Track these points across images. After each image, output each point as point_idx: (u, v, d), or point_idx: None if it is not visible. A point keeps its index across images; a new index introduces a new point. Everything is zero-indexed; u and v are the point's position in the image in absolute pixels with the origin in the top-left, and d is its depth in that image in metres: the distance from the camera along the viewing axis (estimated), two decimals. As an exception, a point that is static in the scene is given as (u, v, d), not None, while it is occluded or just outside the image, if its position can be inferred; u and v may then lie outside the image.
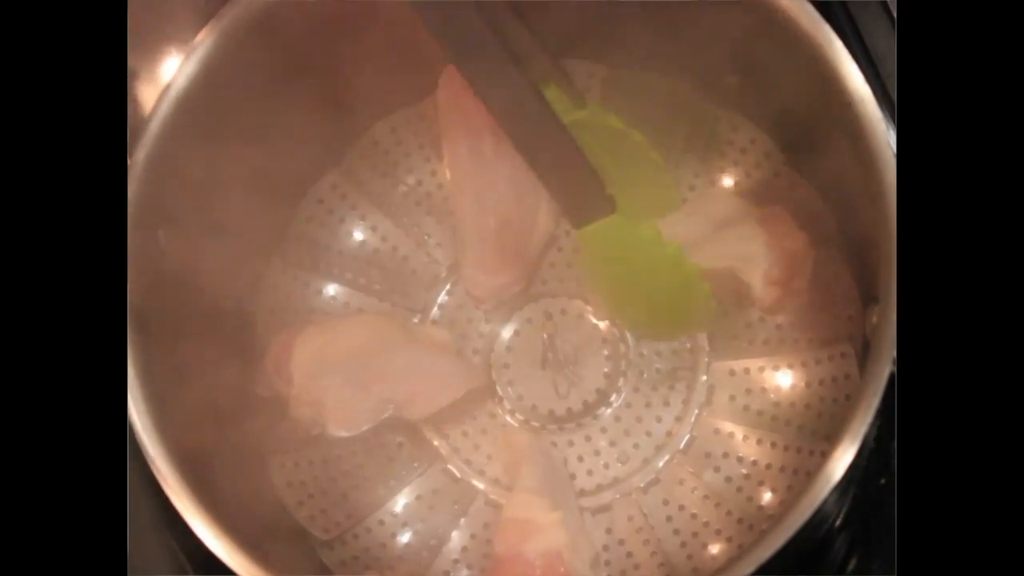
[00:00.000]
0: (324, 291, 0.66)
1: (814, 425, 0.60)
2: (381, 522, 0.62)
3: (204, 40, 0.55)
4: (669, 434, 0.62)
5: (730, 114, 0.64)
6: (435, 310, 0.66)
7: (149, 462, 0.51)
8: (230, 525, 0.50)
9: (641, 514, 0.61)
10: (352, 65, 0.61)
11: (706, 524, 0.60)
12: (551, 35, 0.63)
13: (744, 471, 0.61)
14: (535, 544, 0.55)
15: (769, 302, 0.59)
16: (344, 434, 0.60)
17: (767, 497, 0.60)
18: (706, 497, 0.61)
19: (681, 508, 0.61)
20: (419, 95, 0.65)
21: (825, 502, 0.47)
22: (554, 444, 0.63)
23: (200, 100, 0.56)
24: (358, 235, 0.66)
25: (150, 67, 0.69)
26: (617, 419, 0.63)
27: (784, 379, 0.62)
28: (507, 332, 0.65)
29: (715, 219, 0.61)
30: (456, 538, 0.62)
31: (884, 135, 0.51)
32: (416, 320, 0.66)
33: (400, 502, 0.62)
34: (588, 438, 0.63)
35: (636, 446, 0.62)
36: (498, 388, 0.64)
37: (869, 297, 0.56)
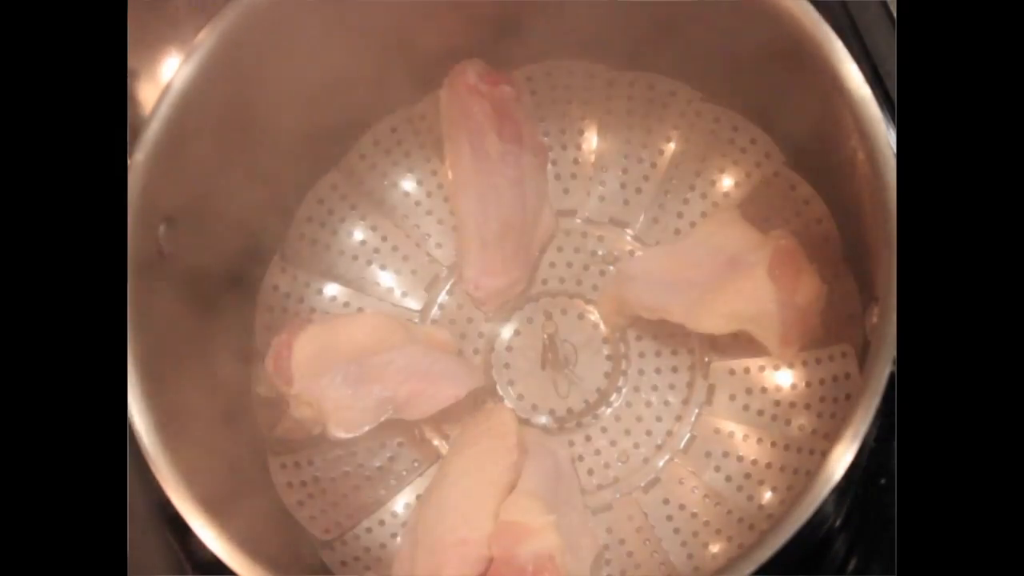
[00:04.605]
0: (324, 291, 0.66)
1: (814, 424, 0.60)
2: (381, 522, 0.62)
3: (204, 40, 0.55)
4: (669, 433, 0.62)
5: (730, 114, 0.64)
6: (435, 310, 0.66)
7: (149, 462, 0.51)
8: (230, 525, 0.50)
9: (641, 514, 0.61)
10: (352, 65, 0.61)
11: (706, 523, 0.60)
12: (552, 35, 0.63)
13: (744, 470, 0.61)
14: (528, 547, 0.55)
15: (787, 358, 0.60)
16: (344, 435, 0.60)
17: (767, 496, 0.60)
18: (706, 496, 0.61)
19: (681, 507, 0.61)
20: (419, 95, 0.65)
21: (825, 502, 0.47)
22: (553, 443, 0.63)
23: (200, 100, 0.56)
24: (358, 235, 0.66)
25: (150, 67, 0.69)
26: (617, 419, 0.63)
27: (784, 378, 0.62)
28: (507, 332, 0.65)
29: (723, 253, 0.60)
30: (456, 538, 0.62)
31: (884, 135, 0.51)
32: (416, 320, 0.66)
33: (400, 502, 0.62)
34: (588, 438, 0.63)
35: (636, 446, 0.62)
36: (498, 388, 0.64)
37: (869, 297, 0.56)
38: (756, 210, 0.62)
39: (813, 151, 0.59)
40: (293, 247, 0.65)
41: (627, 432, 0.63)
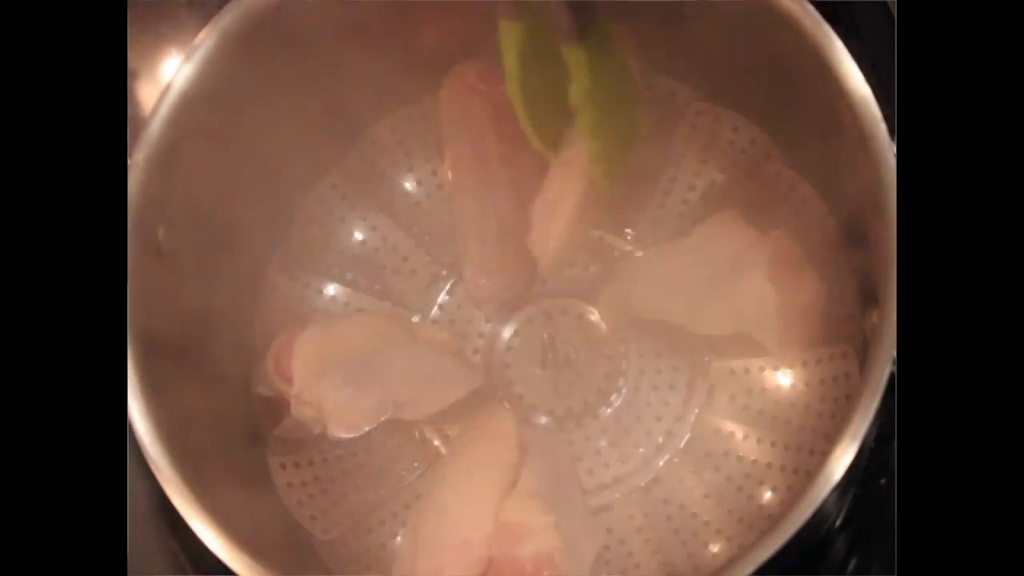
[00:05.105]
0: (324, 291, 0.66)
1: (814, 424, 0.60)
2: (382, 522, 0.62)
3: (204, 40, 0.55)
4: (669, 433, 0.62)
5: (730, 114, 0.63)
6: (435, 310, 0.66)
7: (149, 462, 0.51)
8: (230, 525, 0.50)
9: (641, 513, 0.61)
10: (352, 65, 0.61)
11: (706, 523, 0.60)
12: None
13: (744, 470, 0.61)
14: (527, 547, 0.55)
15: (787, 358, 0.60)
16: (344, 435, 0.60)
17: (767, 496, 0.60)
18: (706, 496, 0.61)
19: (681, 507, 0.61)
20: (419, 95, 0.65)
21: (825, 502, 0.47)
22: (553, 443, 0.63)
23: (200, 100, 0.56)
24: (358, 235, 0.66)
25: (150, 67, 0.69)
26: (617, 419, 0.63)
27: (784, 379, 0.62)
28: (507, 332, 0.65)
29: (722, 254, 0.60)
30: (456, 538, 0.62)
31: (884, 135, 0.51)
32: (416, 320, 0.66)
33: (400, 502, 0.62)
34: (588, 438, 0.63)
35: (636, 445, 0.62)
36: (498, 388, 0.64)
37: (869, 297, 0.56)
38: (756, 210, 0.62)
39: (813, 151, 0.59)
40: (293, 247, 0.65)
41: (627, 432, 0.63)
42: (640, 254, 0.65)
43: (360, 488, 0.62)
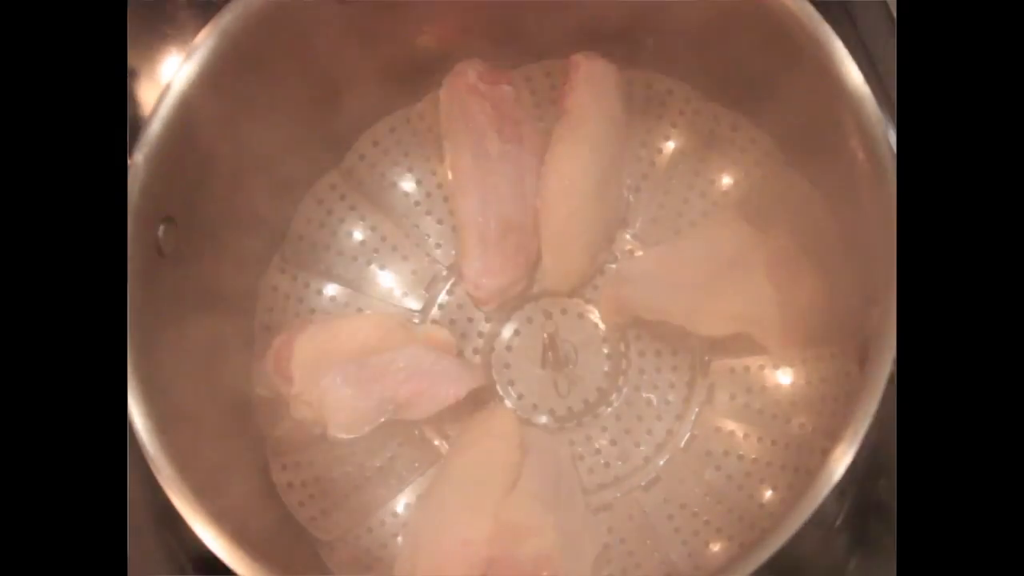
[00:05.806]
0: (324, 291, 0.66)
1: (814, 423, 0.60)
2: (382, 522, 0.62)
3: (204, 40, 0.55)
4: (670, 432, 0.62)
5: (730, 113, 0.64)
6: (435, 310, 0.66)
7: (149, 462, 0.51)
8: (230, 525, 0.50)
9: (642, 513, 0.61)
10: (352, 65, 0.61)
11: (707, 522, 0.60)
12: (554, 35, 0.63)
13: (745, 469, 0.61)
14: (527, 547, 0.55)
15: (787, 355, 0.60)
16: (345, 435, 0.60)
17: (768, 495, 0.60)
18: (707, 495, 0.61)
19: (682, 506, 0.61)
20: (419, 95, 0.65)
21: (825, 501, 0.47)
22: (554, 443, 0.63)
23: (200, 100, 0.56)
24: (358, 235, 0.66)
25: (150, 67, 0.69)
26: (618, 418, 0.63)
27: (784, 377, 0.62)
28: (507, 332, 0.65)
29: (722, 253, 0.60)
30: (456, 538, 0.62)
31: (884, 135, 0.51)
32: (416, 320, 0.66)
33: (401, 502, 0.62)
34: (589, 437, 0.63)
35: (637, 445, 0.63)
36: (498, 388, 0.64)
37: (869, 297, 0.56)
38: (755, 209, 0.62)
39: (812, 150, 0.59)
40: (293, 247, 0.65)
41: (627, 431, 0.63)
42: (640, 254, 0.65)
43: (361, 488, 0.62)
